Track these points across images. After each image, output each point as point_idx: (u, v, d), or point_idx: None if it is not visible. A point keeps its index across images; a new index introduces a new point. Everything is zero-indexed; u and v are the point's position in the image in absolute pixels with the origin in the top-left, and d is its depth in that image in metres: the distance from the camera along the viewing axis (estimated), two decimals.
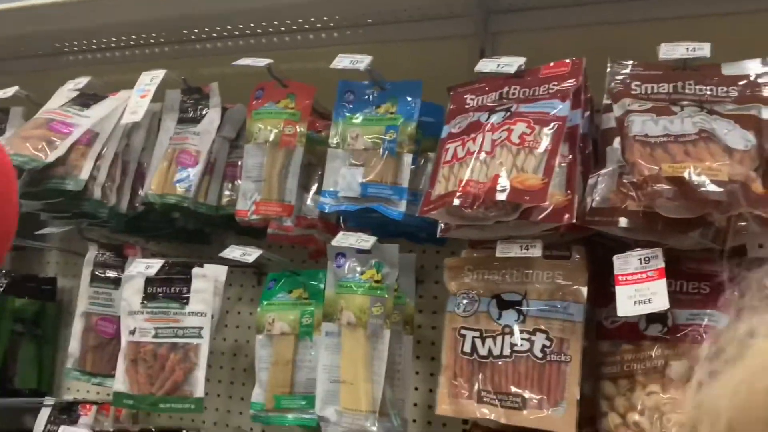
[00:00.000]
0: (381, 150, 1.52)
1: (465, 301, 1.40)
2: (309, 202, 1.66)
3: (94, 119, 1.75)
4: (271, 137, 1.63)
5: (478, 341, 1.36)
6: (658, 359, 1.27)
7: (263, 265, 1.79)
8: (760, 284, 0.71)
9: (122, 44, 2.12)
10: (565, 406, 1.26)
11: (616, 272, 1.22)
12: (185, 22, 1.95)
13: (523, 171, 1.24)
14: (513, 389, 1.30)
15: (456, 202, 1.27)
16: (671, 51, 1.28)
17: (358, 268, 1.51)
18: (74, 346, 1.84)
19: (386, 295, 1.48)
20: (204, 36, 2.01)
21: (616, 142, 1.27)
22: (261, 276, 1.89)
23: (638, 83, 1.31)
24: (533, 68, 1.41)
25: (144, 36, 2.05)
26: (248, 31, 1.97)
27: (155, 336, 1.61)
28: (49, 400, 1.91)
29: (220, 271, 1.64)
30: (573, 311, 1.31)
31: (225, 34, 1.99)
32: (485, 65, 1.40)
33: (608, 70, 1.35)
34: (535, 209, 1.24)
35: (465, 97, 1.44)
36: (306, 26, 1.91)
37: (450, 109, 1.46)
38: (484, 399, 1.32)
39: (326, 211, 1.56)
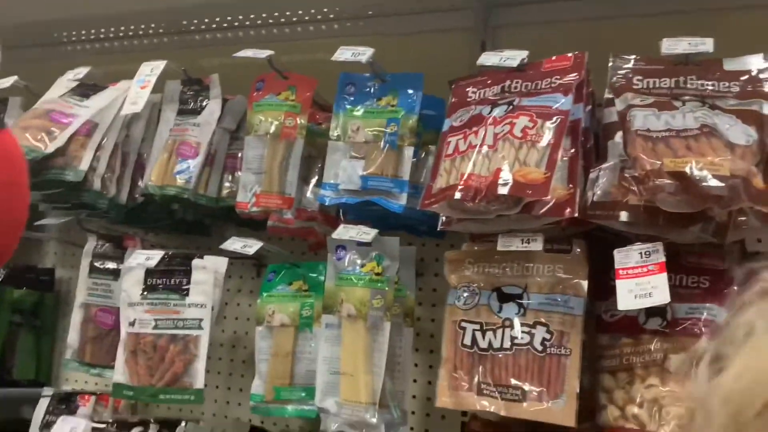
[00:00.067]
0: (382, 143, 1.52)
1: (465, 294, 1.41)
2: (309, 194, 1.66)
3: (93, 110, 1.74)
4: (272, 129, 1.63)
5: (478, 334, 1.37)
6: (657, 352, 1.28)
7: (263, 257, 1.79)
8: (758, 278, 0.72)
9: (121, 35, 2.11)
10: (564, 398, 1.27)
11: (616, 266, 1.23)
12: (185, 12, 1.94)
13: (526, 165, 1.24)
14: (513, 382, 1.31)
15: (457, 195, 1.27)
16: (673, 46, 1.28)
17: (359, 261, 1.51)
18: (73, 337, 1.84)
19: (387, 288, 1.48)
20: (204, 27, 2.01)
21: (618, 136, 1.27)
22: (260, 268, 1.89)
23: (640, 78, 1.31)
24: (535, 62, 1.41)
25: (144, 26, 2.04)
26: (248, 23, 1.96)
27: (155, 327, 1.61)
28: (47, 391, 1.91)
29: (221, 263, 1.64)
30: (573, 305, 1.31)
31: (225, 25, 1.98)
32: (488, 58, 1.40)
33: (610, 64, 1.35)
34: (536, 203, 1.24)
35: (467, 90, 1.44)
36: (306, 18, 1.91)
37: (451, 102, 1.46)
38: (484, 391, 1.33)
39: (326, 203, 1.56)
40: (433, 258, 1.72)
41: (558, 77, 1.33)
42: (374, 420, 1.43)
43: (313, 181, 1.66)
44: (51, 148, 1.66)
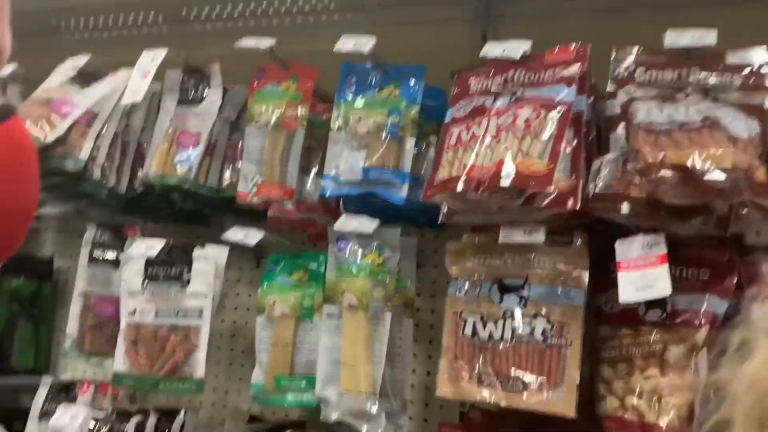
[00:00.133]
0: (383, 134, 1.52)
1: (467, 286, 1.41)
2: (309, 185, 1.66)
3: (93, 99, 1.74)
4: (273, 120, 1.63)
5: (479, 325, 1.37)
6: (657, 344, 1.29)
7: (262, 247, 1.79)
8: None
9: (121, 23, 2.10)
10: (565, 389, 1.28)
11: (618, 258, 1.23)
12: (186, 1, 1.93)
13: (529, 156, 1.24)
14: (513, 372, 1.32)
15: (460, 186, 1.28)
16: (677, 38, 1.28)
17: (360, 252, 1.52)
18: (72, 326, 1.84)
19: (387, 279, 1.48)
20: (205, 17, 2.00)
21: (620, 128, 1.27)
22: (260, 258, 1.89)
23: (643, 70, 1.31)
24: (537, 54, 1.41)
25: (143, 15, 2.03)
26: (248, 13, 1.95)
27: (156, 317, 1.61)
28: (46, 380, 1.91)
29: (221, 253, 1.64)
30: (574, 296, 1.32)
31: (224, 16, 1.98)
32: (491, 50, 1.40)
33: (613, 56, 1.35)
34: (539, 195, 1.24)
35: (469, 81, 1.44)
36: (306, 8, 1.90)
37: (454, 93, 1.46)
38: (485, 382, 1.34)
39: (327, 194, 1.56)
40: (432, 249, 1.72)
41: (561, 69, 1.33)
42: (374, 409, 1.44)
43: (313, 172, 1.66)
44: (51, 137, 1.65)
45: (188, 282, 1.62)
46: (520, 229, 1.32)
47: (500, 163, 1.25)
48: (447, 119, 1.42)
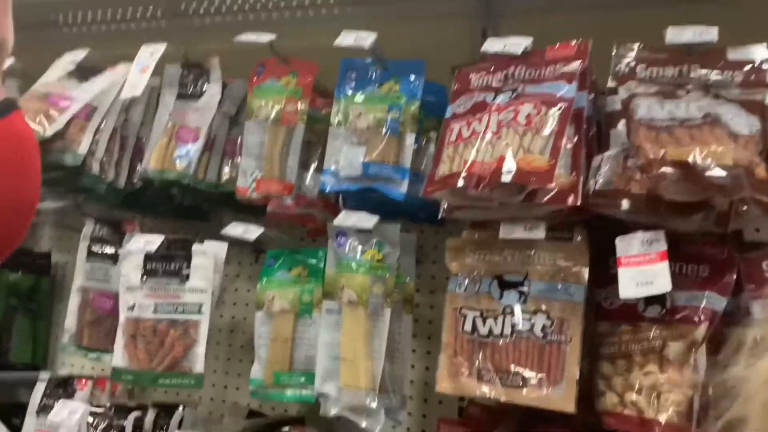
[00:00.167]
0: (383, 129, 1.51)
1: (466, 282, 1.41)
2: (308, 180, 1.65)
3: (92, 93, 1.73)
4: (273, 114, 1.63)
5: (479, 321, 1.37)
6: (656, 340, 1.29)
7: (261, 242, 1.79)
8: None
9: (118, 18, 2.09)
10: (564, 385, 1.28)
11: (618, 254, 1.23)
12: None
13: (530, 152, 1.24)
14: (513, 368, 1.32)
15: (461, 182, 1.28)
16: (679, 35, 1.28)
17: (359, 248, 1.52)
18: (71, 321, 1.84)
19: (387, 275, 1.48)
20: (203, 11, 1.99)
21: (621, 124, 1.27)
22: (259, 253, 1.89)
23: (644, 66, 1.31)
24: (538, 49, 1.41)
25: (142, 9, 2.02)
26: (247, 7, 1.95)
27: (155, 312, 1.61)
28: (44, 375, 1.91)
29: (221, 248, 1.64)
30: (574, 292, 1.32)
31: (224, 10, 1.97)
32: (492, 45, 1.40)
33: (614, 53, 1.35)
34: (540, 191, 1.24)
35: (470, 76, 1.44)
36: (306, 2, 1.89)
37: (454, 89, 1.45)
38: (485, 377, 1.34)
39: (327, 190, 1.55)
40: (432, 245, 1.72)
41: (562, 65, 1.33)
42: (374, 405, 1.44)
43: (313, 167, 1.66)
44: (50, 131, 1.65)
45: (187, 277, 1.62)
46: (520, 225, 1.32)
47: (501, 159, 1.25)
48: (447, 115, 1.42)
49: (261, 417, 1.79)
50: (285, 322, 1.60)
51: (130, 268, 1.65)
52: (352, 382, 1.46)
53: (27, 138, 0.72)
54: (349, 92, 1.58)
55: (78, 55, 1.82)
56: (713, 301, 1.27)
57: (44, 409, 1.83)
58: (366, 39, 1.51)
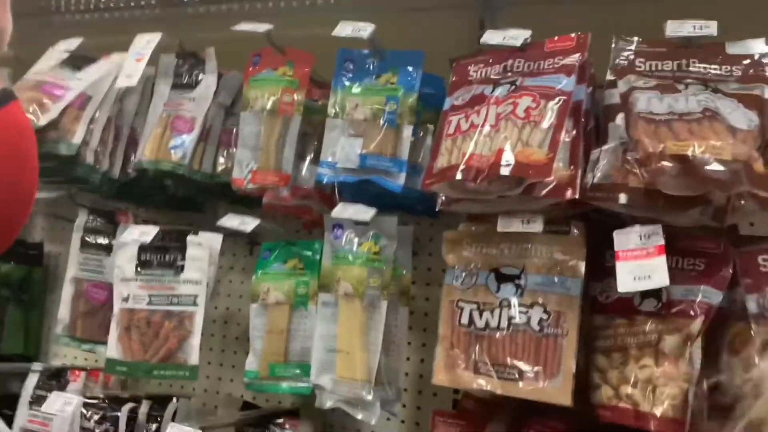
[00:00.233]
0: (381, 121, 1.51)
1: (463, 274, 1.41)
2: (304, 172, 1.64)
3: (86, 82, 1.72)
4: (269, 105, 1.62)
5: (475, 313, 1.37)
6: (652, 334, 1.29)
7: (256, 234, 1.78)
8: None
9: (112, 5, 2.07)
10: (561, 378, 1.28)
11: (616, 248, 1.23)
12: None
13: (528, 145, 1.24)
14: (510, 361, 1.32)
15: (459, 175, 1.27)
16: (678, 28, 1.28)
17: (356, 240, 1.51)
18: (64, 311, 1.83)
19: (384, 267, 1.48)
20: (198, 0, 1.97)
21: (620, 118, 1.27)
22: (253, 245, 1.88)
23: (643, 60, 1.31)
24: (537, 42, 1.40)
25: None
26: None
27: (149, 303, 1.60)
28: (37, 366, 1.90)
29: (215, 240, 1.63)
30: (570, 285, 1.32)
31: None
32: (491, 37, 1.39)
33: (613, 46, 1.35)
34: (538, 184, 1.24)
35: (468, 69, 1.43)
36: None
37: (452, 81, 1.45)
38: (481, 370, 1.34)
39: (324, 181, 1.54)
40: (428, 237, 1.72)
41: (560, 58, 1.33)
42: (369, 397, 1.44)
43: (309, 158, 1.65)
44: (44, 121, 1.63)
45: (182, 269, 1.61)
46: (517, 218, 1.32)
47: (499, 152, 1.24)
48: (446, 107, 1.42)
49: (255, 409, 1.79)
50: (280, 313, 1.60)
51: (125, 260, 1.64)
52: (348, 374, 1.46)
53: (25, 128, 0.71)
54: (347, 83, 1.57)
55: (72, 44, 1.80)
56: (709, 295, 1.28)
57: (37, 400, 1.82)
58: (364, 29, 1.50)
